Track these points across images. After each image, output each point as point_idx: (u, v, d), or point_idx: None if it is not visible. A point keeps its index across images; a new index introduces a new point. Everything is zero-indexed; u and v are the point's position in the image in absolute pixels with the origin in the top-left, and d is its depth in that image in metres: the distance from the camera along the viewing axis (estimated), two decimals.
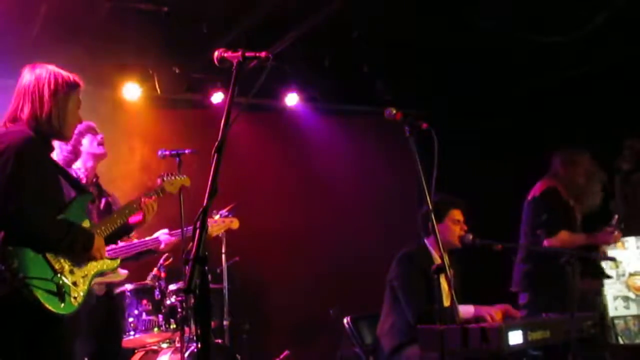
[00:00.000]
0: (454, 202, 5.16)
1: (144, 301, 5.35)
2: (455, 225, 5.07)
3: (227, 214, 5.41)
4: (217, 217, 5.33)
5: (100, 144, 4.96)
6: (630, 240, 7.12)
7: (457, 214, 5.12)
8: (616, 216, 5.76)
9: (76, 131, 4.80)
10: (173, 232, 5.06)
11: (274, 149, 7.97)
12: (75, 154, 4.87)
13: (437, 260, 5.01)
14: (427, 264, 4.99)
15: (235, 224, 5.45)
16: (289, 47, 6.74)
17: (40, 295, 3.28)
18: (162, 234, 5.04)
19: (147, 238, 4.99)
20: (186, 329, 5.22)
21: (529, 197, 5.92)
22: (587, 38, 6.46)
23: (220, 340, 5.86)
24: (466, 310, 4.82)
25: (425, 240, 5.13)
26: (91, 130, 4.96)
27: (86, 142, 4.92)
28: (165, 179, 4.61)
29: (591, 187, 5.88)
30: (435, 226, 4.06)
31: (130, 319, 5.29)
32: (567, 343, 4.42)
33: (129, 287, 5.34)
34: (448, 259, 4.99)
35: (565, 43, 6.61)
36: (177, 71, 7.14)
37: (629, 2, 5.95)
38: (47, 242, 3.42)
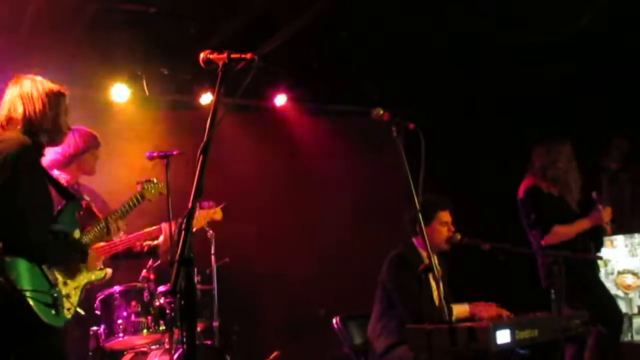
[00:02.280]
0: (441, 204, 5.15)
1: (133, 303, 5.31)
2: (443, 227, 5.07)
3: (210, 205, 5.40)
4: (199, 209, 5.31)
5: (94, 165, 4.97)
6: (619, 239, 7.15)
7: (444, 216, 5.11)
8: (593, 193, 5.76)
9: (84, 142, 4.83)
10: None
11: (263, 149, 7.96)
12: (69, 161, 4.84)
13: (427, 260, 5.02)
14: (418, 263, 5.01)
15: (218, 213, 5.44)
16: (278, 47, 6.75)
17: (37, 307, 3.31)
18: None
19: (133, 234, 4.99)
20: (175, 330, 5.21)
21: (517, 199, 5.93)
22: (574, 37, 6.49)
23: (210, 341, 5.85)
24: (462, 309, 4.85)
25: (414, 240, 5.14)
26: (97, 148, 4.96)
27: (89, 159, 4.92)
28: (144, 185, 4.63)
29: (572, 176, 5.87)
30: (424, 227, 4.07)
31: (119, 321, 5.26)
32: (555, 341, 4.45)
33: (117, 288, 5.32)
34: (437, 259, 5.00)
35: (552, 42, 6.64)
36: (165, 72, 7.14)
37: (612, 1, 5.99)
38: (43, 258, 3.45)
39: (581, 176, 5.94)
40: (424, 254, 5.05)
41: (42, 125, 3.56)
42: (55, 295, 3.42)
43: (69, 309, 3.49)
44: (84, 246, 3.67)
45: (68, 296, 3.51)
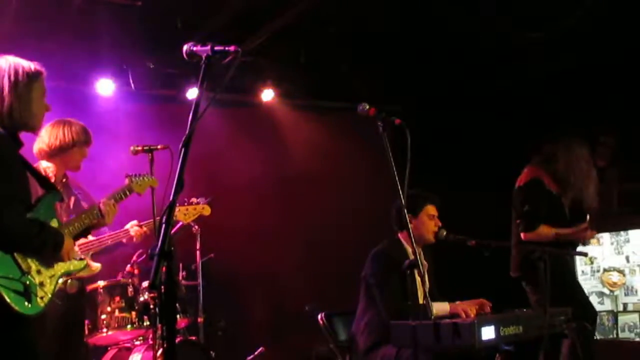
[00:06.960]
0: (429, 197, 5.14)
1: (117, 298, 5.29)
2: (430, 221, 5.06)
3: (198, 201, 5.37)
4: (187, 205, 5.30)
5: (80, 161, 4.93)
6: (605, 237, 7.17)
7: (432, 209, 5.10)
8: (589, 216, 5.71)
9: (72, 136, 4.75)
10: (143, 222, 5.02)
11: (249, 144, 7.94)
12: (53, 153, 4.77)
13: (411, 255, 5.01)
14: (402, 259, 4.99)
15: (206, 210, 5.40)
16: (265, 42, 6.72)
17: (7, 294, 3.24)
18: (132, 226, 4.99)
19: (117, 230, 4.95)
20: (159, 326, 5.18)
21: (516, 185, 5.84)
22: (562, 35, 6.50)
23: (194, 337, 5.83)
24: (441, 307, 4.83)
25: (399, 235, 5.12)
26: (88, 145, 4.91)
27: (75, 154, 4.85)
28: (132, 178, 4.58)
29: (582, 181, 5.74)
30: (409, 221, 4.07)
31: (103, 316, 5.23)
32: (539, 338, 4.45)
33: (101, 283, 5.29)
34: (422, 253, 5.00)
35: (539, 40, 6.65)
36: (151, 66, 7.10)
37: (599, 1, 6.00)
38: (17, 242, 3.36)
39: (598, 184, 5.83)
40: (409, 249, 5.03)
41: (10, 115, 3.46)
42: (27, 283, 3.34)
43: (42, 298, 3.40)
44: (59, 234, 3.58)
45: (42, 285, 3.43)
